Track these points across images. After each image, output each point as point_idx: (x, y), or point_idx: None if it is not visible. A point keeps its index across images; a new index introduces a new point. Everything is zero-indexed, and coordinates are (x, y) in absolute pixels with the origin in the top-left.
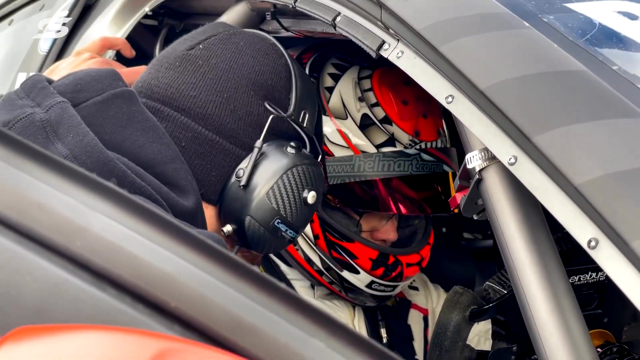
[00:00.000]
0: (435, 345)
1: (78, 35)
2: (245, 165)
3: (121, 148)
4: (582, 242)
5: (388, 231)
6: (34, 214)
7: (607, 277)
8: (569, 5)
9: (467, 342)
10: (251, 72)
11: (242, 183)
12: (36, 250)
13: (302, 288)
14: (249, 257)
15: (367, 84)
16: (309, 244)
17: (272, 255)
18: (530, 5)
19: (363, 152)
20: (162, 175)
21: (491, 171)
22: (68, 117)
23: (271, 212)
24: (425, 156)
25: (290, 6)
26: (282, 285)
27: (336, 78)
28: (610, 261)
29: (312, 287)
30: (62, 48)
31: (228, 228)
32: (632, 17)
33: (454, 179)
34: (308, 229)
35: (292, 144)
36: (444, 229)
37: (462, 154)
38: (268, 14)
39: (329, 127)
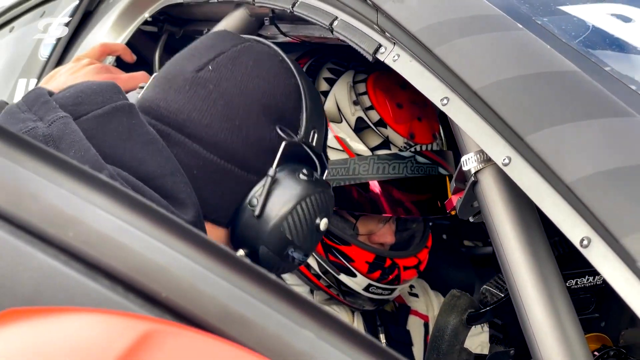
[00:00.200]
0: (433, 349)
1: (78, 41)
2: (258, 193)
3: (121, 161)
4: (575, 241)
5: (385, 234)
6: (27, 204)
7: (604, 281)
8: (563, 7)
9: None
10: (262, 96)
11: (257, 213)
12: (29, 240)
13: (301, 294)
14: None
15: (362, 87)
16: None
17: None
18: (524, 7)
19: (358, 154)
20: (161, 189)
21: (487, 173)
22: (70, 133)
23: (285, 241)
24: (420, 159)
25: (288, 11)
26: (273, 276)
27: (331, 82)
28: (602, 260)
29: (312, 292)
30: (62, 54)
31: (241, 252)
32: (626, 19)
33: (450, 182)
34: None
35: (305, 171)
36: (444, 236)
37: (458, 156)
38: (266, 19)
39: None
